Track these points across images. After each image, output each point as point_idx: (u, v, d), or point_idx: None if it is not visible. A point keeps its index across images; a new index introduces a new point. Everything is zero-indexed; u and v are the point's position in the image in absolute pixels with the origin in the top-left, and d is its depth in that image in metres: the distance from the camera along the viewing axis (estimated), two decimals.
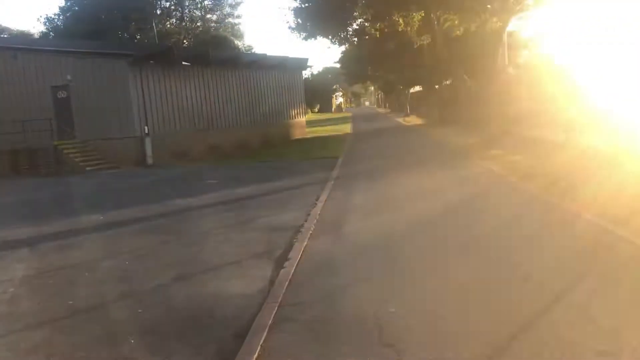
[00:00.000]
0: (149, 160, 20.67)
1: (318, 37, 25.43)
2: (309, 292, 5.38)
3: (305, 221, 8.76)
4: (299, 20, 24.51)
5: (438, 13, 23.32)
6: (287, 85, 30.65)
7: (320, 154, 20.86)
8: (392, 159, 17.84)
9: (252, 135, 26.93)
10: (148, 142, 20.67)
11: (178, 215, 10.34)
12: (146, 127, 20.70)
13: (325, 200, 10.53)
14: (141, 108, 20.58)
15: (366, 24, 25.35)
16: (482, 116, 25.66)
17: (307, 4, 24.12)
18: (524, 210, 8.49)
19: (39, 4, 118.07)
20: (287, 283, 5.68)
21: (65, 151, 20.15)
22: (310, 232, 7.97)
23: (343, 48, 38.35)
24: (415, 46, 27.14)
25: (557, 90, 19.10)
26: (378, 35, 23.67)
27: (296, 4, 24.81)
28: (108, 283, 6.24)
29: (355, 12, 22.54)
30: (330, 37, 25.95)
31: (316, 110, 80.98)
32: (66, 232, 9.15)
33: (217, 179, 15.66)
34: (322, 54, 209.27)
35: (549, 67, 22.51)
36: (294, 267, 6.21)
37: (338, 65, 75.00)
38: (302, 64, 31.28)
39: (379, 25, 23.18)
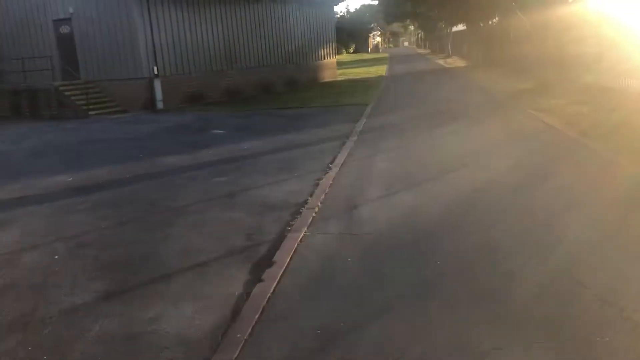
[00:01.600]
0: (159, 105, 18.75)
1: None
2: (284, 340, 3.38)
3: (311, 196, 6.70)
4: None
5: None
6: (317, 22, 27.86)
7: (347, 100, 18.52)
8: (429, 108, 15.39)
9: (276, 77, 24.61)
10: (157, 84, 18.67)
11: (159, 179, 8.41)
12: (155, 68, 18.66)
13: (342, 165, 8.40)
14: (150, 46, 18.46)
15: None
16: (534, 58, 22.58)
17: None
18: (614, 194, 6.18)
19: None
20: (257, 315, 3.69)
21: (67, 93, 18.37)
22: (313, 214, 5.92)
23: None
24: None
25: (618, 33, 16.16)
26: None
27: None
28: None
29: None
30: None
31: (351, 50, 77.21)
32: (8, 202, 7.36)
33: (225, 129, 13.64)
34: None
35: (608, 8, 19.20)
36: (276, 281, 4.21)
37: (376, 3, 70.83)
38: None
39: None
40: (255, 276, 4.37)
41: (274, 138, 11.74)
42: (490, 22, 31.74)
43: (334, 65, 30.39)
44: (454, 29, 49.07)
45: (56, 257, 5.15)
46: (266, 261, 4.67)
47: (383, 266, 4.42)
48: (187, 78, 20.05)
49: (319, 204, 6.32)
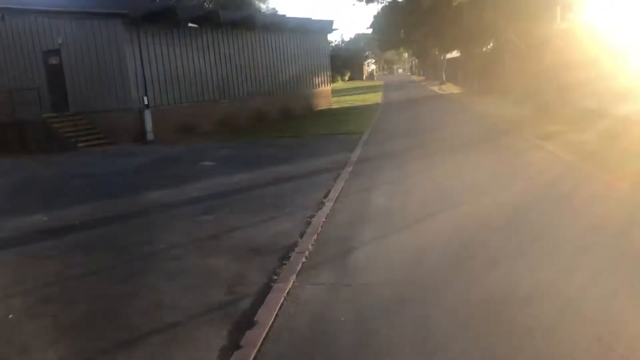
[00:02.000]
0: (149, 136, 18.27)
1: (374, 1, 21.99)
2: None
3: (301, 237, 6.13)
4: None
5: None
6: (310, 51, 27.66)
7: (343, 129, 18.08)
8: (426, 137, 14.95)
9: (270, 106, 24.25)
10: (148, 115, 18.22)
11: (140, 218, 7.84)
12: (145, 98, 18.24)
13: (336, 200, 7.85)
14: (140, 76, 18.07)
15: None
16: (530, 84, 22.31)
17: None
18: None
19: None
20: None
21: (55, 125, 17.90)
22: (303, 259, 5.35)
23: (375, 12, 34.66)
24: (455, 3, 23.65)
25: (615, 57, 15.84)
26: None
27: None
28: None
29: None
30: None
31: (346, 78, 77.49)
32: None
33: (215, 161, 13.12)
34: (354, 20, 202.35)
35: (604, 30, 18.95)
36: (256, 349, 3.61)
37: (370, 31, 71.36)
38: (326, 27, 28.14)
39: None
40: (233, 341, 3.77)
41: (265, 170, 11.20)
42: (484, 49, 31.68)
43: (328, 93, 30.12)
44: (448, 55, 49.21)
45: (10, 316, 4.54)
46: (247, 320, 4.08)
47: (381, 327, 3.82)
48: (178, 108, 19.63)
49: (310, 246, 5.74)
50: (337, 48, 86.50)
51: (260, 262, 5.43)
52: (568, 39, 18.94)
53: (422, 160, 10.99)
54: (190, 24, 20.06)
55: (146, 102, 18.24)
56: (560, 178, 8.40)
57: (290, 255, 5.53)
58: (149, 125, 18.24)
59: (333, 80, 64.03)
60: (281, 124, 21.86)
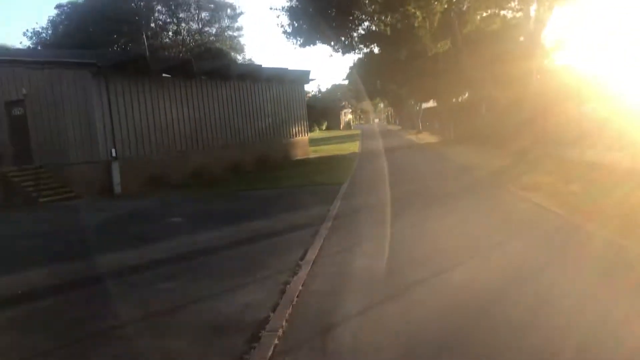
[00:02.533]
0: (117, 189, 17.36)
1: (317, 43, 21.91)
2: None
3: (274, 310, 5.29)
4: (294, 22, 20.94)
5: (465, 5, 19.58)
6: (287, 101, 27.37)
7: (321, 179, 17.44)
8: (406, 188, 14.36)
9: (246, 156, 23.62)
10: (115, 167, 17.37)
11: (92, 287, 6.92)
12: (113, 150, 17.42)
13: (314, 261, 7.06)
14: (108, 127, 17.30)
15: (373, 25, 21.58)
16: (507, 132, 22.15)
17: (301, 3, 20.31)
18: None
19: (29, 19, 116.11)
20: None
21: (15, 179, 16.88)
22: (276, 340, 4.51)
23: (351, 63, 34.85)
24: (430, 54, 23.71)
25: (595, 103, 15.68)
26: (389, 32, 19.97)
27: (290, 3, 21.13)
28: None
29: (358, 12, 18.79)
30: (332, 43, 22.43)
31: (324, 127, 77.83)
32: None
33: (184, 216, 12.27)
34: (330, 71, 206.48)
35: (581, 76, 18.99)
36: None
37: (346, 82, 72.31)
38: (303, 77, 28.01)
39: (390, 20, 19.47)
40: None
41: (237, 227, 10.38)
42: (460, 98, 31.86)
43: (306, 143, 29.70)
44: (424, 105, 49.76)
45: None
46: None
47: None
48: (148, 160, 18.83)
49: (284, 322, 4.91)
50: (314, 98, 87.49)
51: (224, 345, 4.57)
52: (547, 85, 18.89)
53: (405, 214, 10.31)
54: (163, 74, 19.53)
55: (114, 154, 17.41)
56: (554, 234, 7.78)
57: (260, 334, 4.69)
58: (116, 178, 17.36)
59: (311, 130, 64.04)
60: (257, 174, 21.17)
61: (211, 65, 22.74)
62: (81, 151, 17.30)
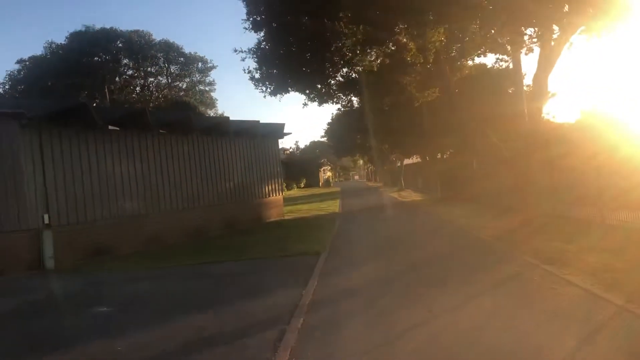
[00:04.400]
0: (49, 263, 14.36)
1: (290, 90, 19.65)
2: None
3: None
4: (262, 67, 18.63)
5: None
6: (260, 157, 24.90)
7: (295, 248, 14.71)
8: (398, 261, 11.72)
9: (212, 220, 20.85)
10: (48, 236, 14.44)
11: None
12: (46, 216, 14.54)
13: None
14: (40, 189, 14.50)
15: (353, 72, 19.43)
16: (503, 190, 19.89)
17: (269, 43, 17.93)
18: None
19: None
20: None
21: None
22: None
23: (329, 119, 32.84)
24: (417, 104, 21.69)
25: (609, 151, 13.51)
26: (375, 68, 17.78)
27: (257, 45, 18.70)
28: None
29: (337, 55, 16.64)
30: (307, 91, 20.18)
31: (302, 185, 75.58)
32: None
33: (116, 304, 9.39)
34: (309, 127, 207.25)
35: (586, 127, 16.99)
36: None
37: (325, 139, 70.78)
38: (277, 130, 25.68)
39: (376, 55, 17.25)
40: None
41: (174, 325, 7.54)
42: (447, 153, 29.86)
43: (280, 203, 27.04)
44: (407, 161, 47.96)
45: None
46: None
47: None
48: (92, 227, 15.94)
49: None
50: (292, 155, 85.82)
51: None
52: (548, 138, 16.80)
53: (402, 304, 7.61)
54: (110, 126, 16.95)
55: (47, 221, 14.52)
56: (579, 308, 5.20)
57: None
58: (49, 249, 14.39)
59: (289, 188, 61.69)
60: (223, 240, 18.33)
61: (170, 117, 20.25)
62: (6, 217, 14.37)
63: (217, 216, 21.18)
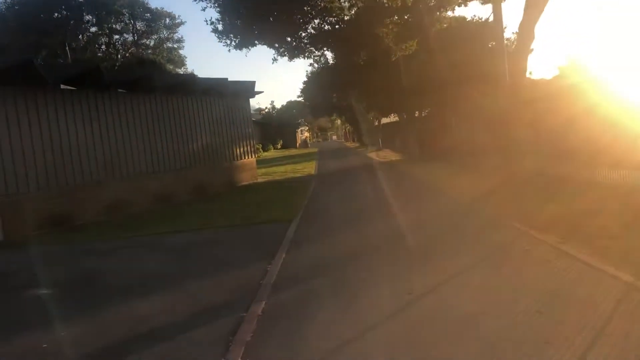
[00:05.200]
0: None
1: (257, 43, 18.11)
2: None
3: None
4: (226, 18, 17.00)
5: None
6: (230, 117, 23.54)
7: (265, 215, 13.73)
8: (378, 228, 10.79)
9: (180, 185, 19.68)
10: None
11: None
12: None
13: None
14: None
15: (326, 24, 17.92)
16: (485, 148, 19.05)
17: None
18: None
19: None
20: None
21: None
22: None
23: (305, 77, 31.06)
24: (394, 57, 20.44)
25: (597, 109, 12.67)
26: (349, 17, 16.39)
27: None
28: None
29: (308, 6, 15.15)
30: (276, 45, 18.68)
31: (279, 146, 74.16)
32: None
33: (57, 284, 8.32)
34: (285, 87, 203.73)
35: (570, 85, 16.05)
36: None
37: (302, 100, 69.06)
38: (248, 89, 24.20)
39: (349, 3, 15.84)
40: None
41: (118, 313, 6.51)
42: (426, 111, 28.83)
43: (253, 165, 25.86)
44: (384, 120, 46.91)
45: None
46: None
47: None
48: (45, 195, 14.68)
49: None
50: (268, 116, 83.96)
51: None
52: (533, 94, 15.85)
53: (380, 282, 6.68)
54: (63, 85, 15.50)
55: None
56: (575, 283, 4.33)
57: None
58: None
59: (264, 149, 60.29)
60: (188, 207, 17.23)
61: (129, 75, 18.72)
62: None
63: (184, 181, 20.00)
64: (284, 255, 8.71)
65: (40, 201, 14.51)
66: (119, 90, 17.50)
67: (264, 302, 6.21)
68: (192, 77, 21.41)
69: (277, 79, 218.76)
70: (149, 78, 17.81)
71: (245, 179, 24.51)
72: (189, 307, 6.41)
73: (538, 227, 8.70)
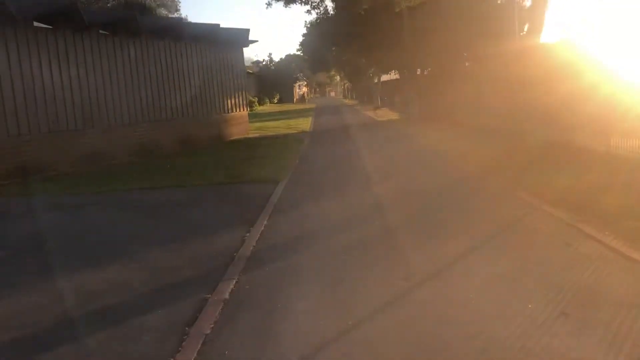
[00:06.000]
0: None
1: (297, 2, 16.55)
2: None
3: None
4: None
5: None
6: (221, 67, 22.19)
7: (251, 173, 12.73)
8: (373, 193, 9.83)
9: (164, 137, 18.58)
10: None
11: None
12: None
13: None
14: None
15: None
16: (491, 111, 17.97)
17: None
18: None
19: None
20: None
21: None
22: None
23: (304, 30, 29.33)
24: (398, 9, 19.02)
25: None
26: None
27: None
28: None
29: None
30: None
31: (276, 100, 72.53)
32: None
33: (11, 247, 7.36)
34: (284, 40, 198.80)
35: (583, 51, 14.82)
36: None
37: (301, 53, 66.96)
38: (241, 37, 22.70)
39: None
40: None
41: (66, 285, 5.57)
42: (425, 71, 27.48)
43: (245, 119, 24.65)
44: (384, 78, 45.44)
45: None
46: None
47: None
48: (15, 142, 13.59)
49: None
50: (265, 68, 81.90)
51: None
52: (544, 58, 14.65)
53: (372, 263, 5.75)
54: (35, 23, 14.16)
55: None
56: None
57: None
58: None
59: (261, 103, 58.72)
60: (172, 161, 16.19)
61: (112, 16, 17.30)
62: None
63: (169, 133, 18.87)
64: (265, 222, 7.76)
65: (10, 149, 13.43)
66: (101, 32, 16.14)
67: (234, 281, 5.28)
68: (179, 21, 19.93)
69: (276, 32, 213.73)
70: (133, 20, 16.38)
71: (236, 133, 23.36)
72: (147, 283, 5.47)
73: (549, 202, 7.76)
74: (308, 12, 28.02)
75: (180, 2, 38.00)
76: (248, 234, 7.11)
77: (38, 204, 10.47)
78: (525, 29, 17.44)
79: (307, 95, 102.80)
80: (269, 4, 18.72)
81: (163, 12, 37.28)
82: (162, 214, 8.93)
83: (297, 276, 5.38)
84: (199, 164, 15.24)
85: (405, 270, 5.31)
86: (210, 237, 7.23)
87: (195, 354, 3.81)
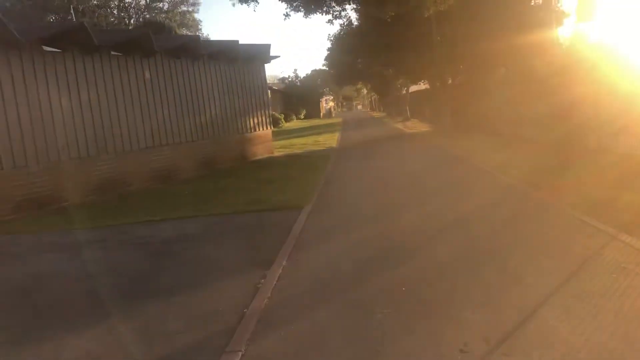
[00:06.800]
0: None
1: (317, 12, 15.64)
2: None
3: None
4: None
5: None
6: (243, 85, 21.27)
7: (273, 198, 11.59)
8: (406, 220, 8.53)
9: (184, 159, 17.65)
10: None
11: None
12: None
13: None
14: None
15: None
16: (529, 120, 16.50)
17: None
18: None
19: None
20: None
21: None
22: None
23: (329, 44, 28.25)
24: (426, 14, 17.76)
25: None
26: None
27: None
28: None
29: None
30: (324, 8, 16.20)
31: (302, 116, 71.81)
32: None
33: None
34: (312, 58, 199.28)
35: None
36: None
37: (326, 68, 66.20)
38: (262, 53, 21.80)
39: None
40: None
41: (36, 348, 4.46)
42: (459, 78, 26.06)
43: (268, 138, 23.63)
44: (413, 88, 44.10)
45: None
46: None
47: None
48: (24, 174, 12.77)
49: None
50: (291, 84, 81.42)
51: None
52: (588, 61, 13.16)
53: (415, 318, 4.46)
54: (46, 47, 13.43)
55: None
56: None
57: None
58: None
59: (287, 119, 57.97)
60: (191, 187, 15.18)
61: (123, 36, 16.53)
62: None
63: (188, 156, 17.93)
64: (284, 263, 6.56)
65: (16, 180, 12.61)
66: (113, 53, 15.35)
67: (240, 354, 4.08)
68: (196, 39, 19.04)
69: (302, 48, 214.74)
70: (146, 39, 15.54)
71: (260, 152, 22.35)
72: (132, 355, 4.30)
73: (617, 225, 6.37)
74: (329, 22, 27.02)
75: (202, 22, 37.59)
76: (263, 281, 5.92)
77: (37, 243, 9.50)
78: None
79: (334, 109, 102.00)
80: (287, 15, 17.78)
81: (184, 32, 36.96)
82: (168, 254, 7.81)
83: (320, 344, 4.13)
84: (218, 188, 14.17)
85: (458, 330, 4.01)
86: (219, 285, 6.06)
87: None
